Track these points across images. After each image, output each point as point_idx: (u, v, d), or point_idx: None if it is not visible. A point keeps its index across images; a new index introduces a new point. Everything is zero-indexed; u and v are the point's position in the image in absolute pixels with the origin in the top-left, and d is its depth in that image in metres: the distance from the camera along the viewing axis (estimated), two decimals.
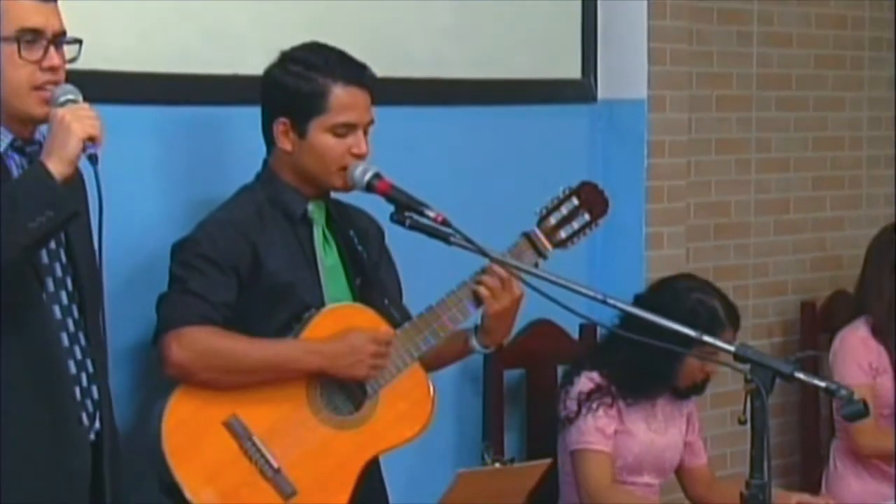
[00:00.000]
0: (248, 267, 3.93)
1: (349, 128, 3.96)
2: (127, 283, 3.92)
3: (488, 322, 4.05)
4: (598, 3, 5.39)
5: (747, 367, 3.28)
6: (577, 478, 4.68)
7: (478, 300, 4.01)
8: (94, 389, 3.53)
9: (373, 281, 4.13)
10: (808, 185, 6.24)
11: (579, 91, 5.38)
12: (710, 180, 5.82)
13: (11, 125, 3.44)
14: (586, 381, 4.72)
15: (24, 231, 3.25)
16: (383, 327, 3.99)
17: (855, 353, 5.55)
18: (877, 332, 5.57)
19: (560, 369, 4.94)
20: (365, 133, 3.98)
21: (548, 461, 4.01)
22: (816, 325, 5.92)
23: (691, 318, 4.53)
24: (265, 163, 4.05)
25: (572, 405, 4.70)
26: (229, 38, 4.33)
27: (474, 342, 4.10)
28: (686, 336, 3.54)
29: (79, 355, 3.50)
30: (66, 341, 3.48)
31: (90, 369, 3.52)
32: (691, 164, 5.66)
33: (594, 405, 4.68)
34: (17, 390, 3.39)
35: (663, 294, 4.78)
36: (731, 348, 3.36)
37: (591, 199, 4.17)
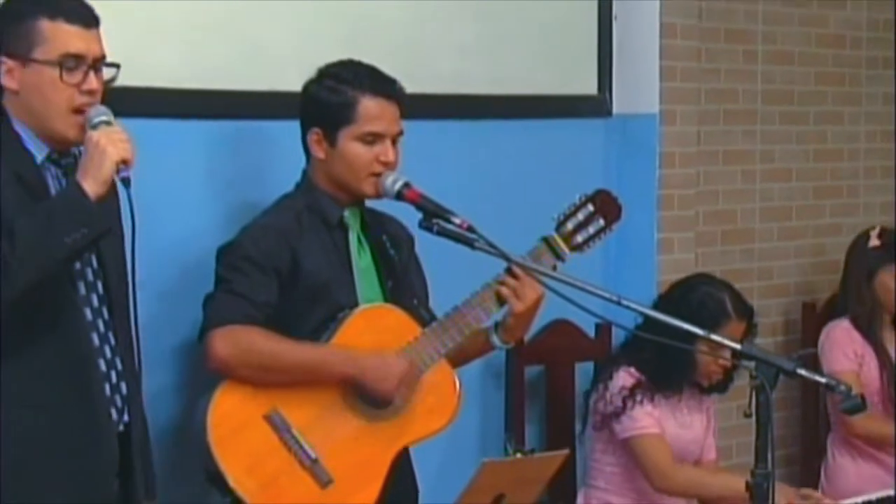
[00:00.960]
0: (287, 269, 3.93)
1: (377, 137, 3.96)
2: (176, 284, 3.93)
3: (509, 321, 4.05)
4: (613, 23, 5.38)
5: (752, 364, 3.27)
6: (641, 462, 4.67)
7: (500, 300, 4.01)
8: (123, 385, 3.52)
9: (403, 283, 4.13)
10: (809, 194, 6.23)
11: (595, 106, 5.38)
12: (718, 189, 5.81)
13: (47, 140, 3.42)
14: (626, 375, 4.71)
15: (61, 246, 3.26)
16: (413, 326, 4.00)
17: (840, 344, 5.57)
18: (860, 329, 5.60)
19: (577, 366, 4.94)
20: (394, 143, 3.99)
21: (566, 452, 4.00)
22: (817, 325, 5.90)
23: (700, 310, 4.61)
24: (304, 172, 4.06)
25: (616, 399, 4.68)
26: (268, 56, 4.34)
27: (495, 339, 4.10)
28: (690, 332, 3.56)
29: (108, 354, 3.50)
30: (96, 341, 3.47)
31: (119, 367, 3.51)
32: (700, 174, 5.66)
33: (638, 397, 4.67)
34: (50, 386, 3.40)
35: (679, 290, 4.81)
36: (737, 346, 3.36)
37: (606, 206, 4.16)
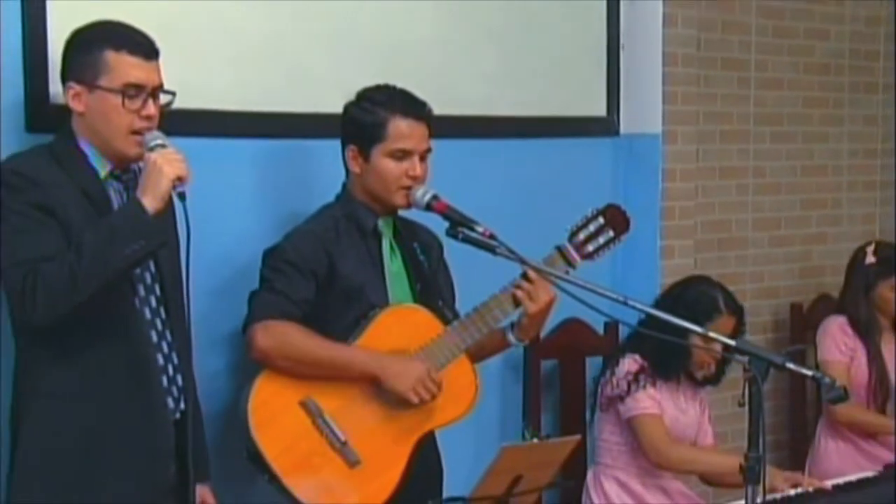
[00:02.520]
0: (325, 271, 3.93)
1: (405, 153, 3.96)
2: (227, 283, 3.94)
3: (524, 320, 4.04)
4: (621, 52, 5.38)
5: (746, 358, 3.27)
6: (640, 440, 4.67)
7: (516, 302, 4.00)
8: (179, 378, 3.55)
9: (431, 286, 4.12)
10: (796, 206, 6.21)
11: (604, 126, 5.38)
12: (715, 201, 5.80)
13: (109, 158, 3.45)
14: (631, 362, 4.70)
15: (122, 256, 3.28)
16: (437, 325, 4.00)
17: (834, 336, 5.55)
18: (855, 329, 5.57)
19: (588, 360, 4.94)
20: (422, 159, 3.98)
21: (577, 437, 3.96)
22: (803, 324, 5.90)
23: (695, 306, 4.61)
24: (344, 185, 4.07)
25: (622, 383, 4.68)
26: (311, 81, 4.34)
27: (511, 337, 4.09)
28: (686, 328, 3.58)
29: (166, 349, 3.52)
30: (154, 338, 3.49)
31: (175, 361, 3.54)
32: (699, 188, 5.65)
33: (641, 381, 4.67)
34: (113, 379, 3.42)
35: (677, 289, 4.80)
36: (733, 343, 3.35)
37: (615, 219, 4.14)
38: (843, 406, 5.38)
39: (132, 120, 3.39)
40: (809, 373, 3.42)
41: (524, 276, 3.97)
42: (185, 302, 3.41)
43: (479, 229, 3.78)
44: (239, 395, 3.85)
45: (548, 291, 3.96)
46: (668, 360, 4.68)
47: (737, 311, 4.74)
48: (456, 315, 4.11)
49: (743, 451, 3.27)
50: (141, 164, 3.39)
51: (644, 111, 5.39)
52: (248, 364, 3.93)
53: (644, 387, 4.66)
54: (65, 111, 3.48)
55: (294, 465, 3.80)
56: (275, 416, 3.82)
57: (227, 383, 3.85)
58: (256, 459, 3.80)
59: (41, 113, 3.67)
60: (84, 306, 3.27)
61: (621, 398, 4.68)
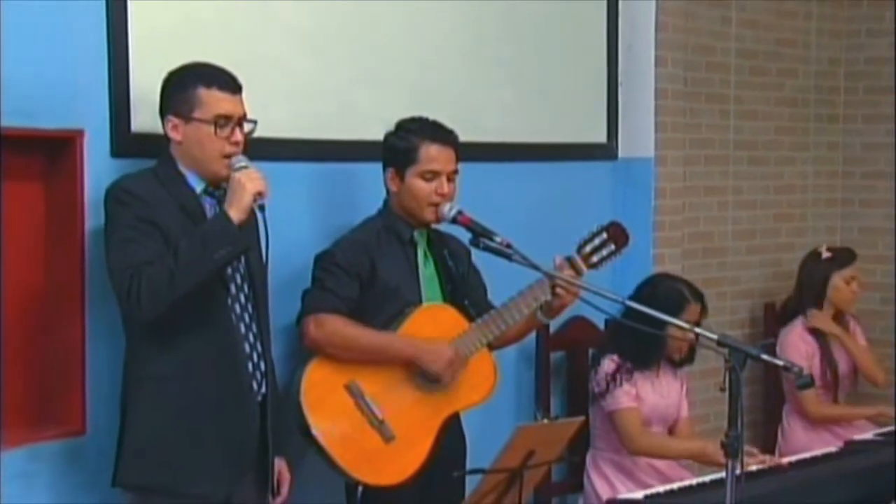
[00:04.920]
0: (367, 273, 3.94)
1: (434, 174, 3.95)
2: (287, 282, 3.93)
3: (555, 303, 4.00)
4: (620, 88, 5.38)
5: (727, 350, 3.26)
6: (618, 430, 4.65)
7: (554, 293, 3.96)
8: (262, 364, 3.56)
9: (459, 288, 4.12)
10: (769, 220, 6.19)
11: (605, 152, 5.37)
12: (699, 216, 5.78)
13: (203, 177, 3.49)
14: (609, 363, 4.68)
15: (211, 260, 3.31)
16: (463, 322, 3.99)
17: (794, 346, 5.52)
18: (810, 331, 5.56)
19: (591, 352, 4.92)
20: (449, 179, 3.98)
21: (582, 418, 3.99)
22: (775, 321, 5.87)
23: (667, 300, 4.55)
24: (385, 201, 4.07)
25: (602, 382, 4.67)
26: (355, 113, 4.33)
27: (540, 315, 4.07)
28: (675, 323, 3.60)
29: (251, 339, 3.53)
30: (242, 330, 3.51)
31: (259, 349, 3.55)
32: (685, 204, 5.63)
33: (618, 380, 4.65)
34: (207, 366, 3.44)
35: (646, 288, 4.74)
36: (715, 337, 3.33)
37: (617, 234, 4.12)
38: (812, 402, 5.46)
39: (223, 145, 3.42)
40: (781, 363, 3.42)
41: (555, 279, 3.91)
42: (267, 299, 3.48)
43: (498, 239, 3.78)
44: (292, 378, 3.85)
45: (577, 293, 3.93)
46: (646, 351, 4.65)
47: (700, 297, 4.72)
48: (489, 308, 4.08)
49: (723, 430, 3.25)
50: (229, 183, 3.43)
51: (639, 138, 5.38)
52: (301, 351, 3.93)
53: (621, 384, 4.64)
54: (152, 140, 3.53)
55: (339, 439, 3.80)
56: (323, 397, 3.82)
57: (283, 368, 3.85)
58: (307, 434, 3.80)
59: (124, 141, 3.68)
60: (181, 302, 3.29)
61: (602, 395, 4.67)
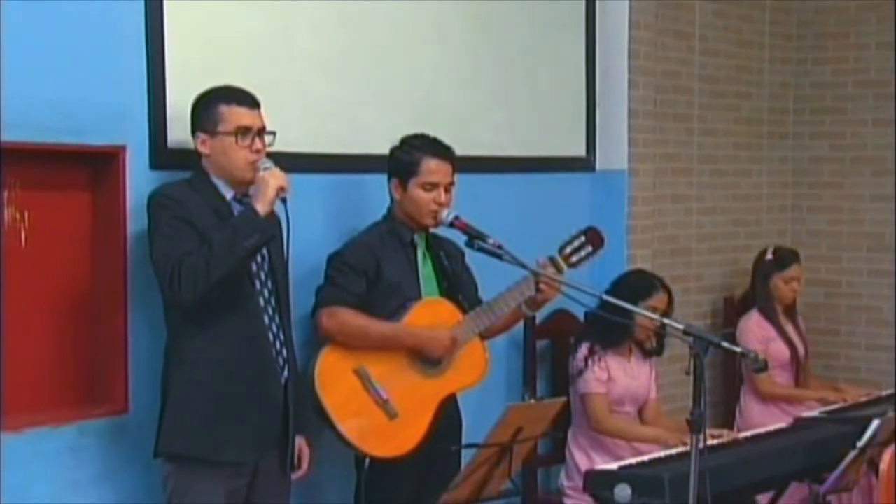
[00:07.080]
0: (373, 272, 3.93)
1: (434, 185, 3.94)
2: (304, 279, 3.91)
3: (538, 298, 3.99)
4: (597, 108, 5.36)
5: (691, 339, 3.27)
6: (587, 412, 4.65)
7: (538, 289, 3.95)
8: (285, 351, 3.56)
9: (454, 284, 4.11)
10: (729, 224, 6.18)
11: (584, 164, 5.35)
12: (667, 221, 5.77)
13: (233, 185, 3.50)
14: (584, 348, 4.68)
15: (242, 247, 3.33)
16: (458, 314, 3.98)
17: (752, 332, 5.52)
18: (766, 317, 5.55)
19: (572, 341, 4.91)
20: (447, 190, 3.97)
21: (564, 399, 3.98)
22: (734, 312, 5.87)
23: (636, 286, 4.62)
24: (388, 208, 4.06)
25: (579, 364, 4.67)
26: (363, 130, 4.32)
27: (525, 308, 4.05)
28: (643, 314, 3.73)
29: (275, 329, 3.53)
30: (266, 320, 3.51)
31: (282, 338, 3.55)
32: (655, 211, 5.62)
33: (591, 363, 4.65)
34: (235, 352, 3.43)
35: (623, 277, 4.81)
36: (681, 326, 3.34)
37: (594, 237, 4.13)
38: (765, 384, 5.45)
39: (246, 154, 3.44)
40: (738, 349, 3.44)
41: (539, 276, 3.91)
42: (288, 293, 3.51)
43: (490, 241, 3.78)
44: (308, 363, 3.85)
45: (558, 288, 3.94)
46: (616, 333, 4.62)
47: (667, 289, 4.74)
48: (480, 302, 4.08)
49: (689, 409, 3.25)
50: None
51: (614, 153, 5.37)
52: (316, 340, 3.92)
53: (592, 370, 4.62)
54: (186, 154, 3.54)
55: (348, 416, 3.79)
56: (335, 379, 3.81)
57: (301, 355, 3.84)
58: (320, 412, 3.79)
59: (162, 154, 3.68)
60: (216, 290, 3.30)
61: (575, 378, 4.67)
